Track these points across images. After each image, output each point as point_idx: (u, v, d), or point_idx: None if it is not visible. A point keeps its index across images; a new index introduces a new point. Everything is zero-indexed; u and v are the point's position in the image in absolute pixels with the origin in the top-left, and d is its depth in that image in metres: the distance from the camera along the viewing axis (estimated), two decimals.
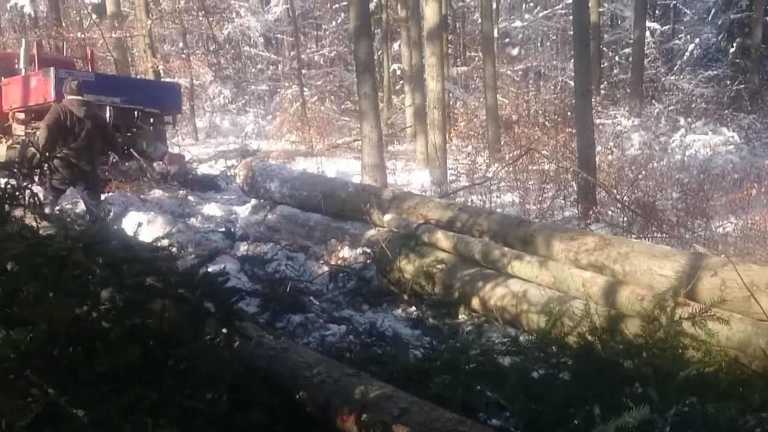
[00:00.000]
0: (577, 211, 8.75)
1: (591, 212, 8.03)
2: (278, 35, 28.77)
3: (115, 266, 1.78)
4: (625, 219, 7.79)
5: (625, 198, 8.21)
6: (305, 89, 24.34)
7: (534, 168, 11.59)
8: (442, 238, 5.49)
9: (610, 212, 8.40)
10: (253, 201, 8.78)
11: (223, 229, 7.72)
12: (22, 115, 10.52)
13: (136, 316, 2.11)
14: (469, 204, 9.69)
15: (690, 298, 3.65)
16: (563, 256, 4.81)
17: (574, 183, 10.30)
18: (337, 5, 27.91)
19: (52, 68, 9.93)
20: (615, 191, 8.59)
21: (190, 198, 10.22)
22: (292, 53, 26.63)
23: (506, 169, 10.99)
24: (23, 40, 14.25)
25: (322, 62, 28.82)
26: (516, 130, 15.46)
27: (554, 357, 3.10)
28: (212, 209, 9.49)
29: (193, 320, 2.29)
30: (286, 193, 7.73)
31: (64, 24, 23.17)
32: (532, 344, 2.94)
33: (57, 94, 9.38)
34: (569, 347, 2.96)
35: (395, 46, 24.17)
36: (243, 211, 9.04)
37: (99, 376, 1.96)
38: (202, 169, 13.80)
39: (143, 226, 7.24)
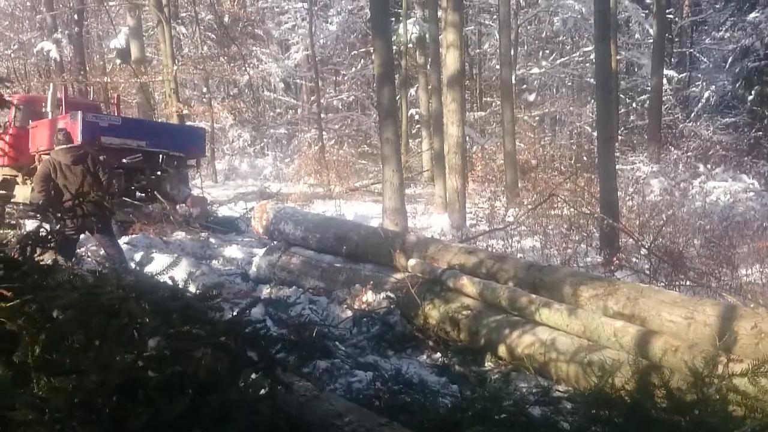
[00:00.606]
0: (600, 258, 8.69)
1: (615, 259, 7.97)
2: (298, 80, 29.28)
3: (165, 315, 1.79)
4: (650, 266, 7.72)
5: (649, 245, 8.16)
6: (323, 133, 24.63)
7: (554, 213, 11.58)
8: (468, 284, 5.46)
9: (634, 259, 8.34)
10: (268, 243, 8.83)
11: (243, 272, 7.76)
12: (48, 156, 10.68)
13: (180, 364, 2.12)
14: (490, 249, 9.70)
15: (727, 351, 3.59)
16: (592, 304, 4.77)
17: (594, 228, 10.27)
18: (355, 52, 28.41)
19: (79, 112, 10.11)
20: (640, 238, 8.54)
21: (212, 240, 10.28)
22: (311, 98, 27.04)
23: (526, 213, 10.97)
24: (51, 84, 14.57)
25: (340, 107, 29.22)
26: (534, 175, 15.49)
27: (588, 409, 3.05)
28: (233, 251, 9.55)
29: (234, 368, 2.28)
30: (300, 235, 7.72)
31: (88, 68, 23.75)
32: (579, 399, 2.87)
33: (84, 138, 9.56)
34: (606, 399, 2.91)
35: (412, 91, 24.47)
36: (258, 252, 9.09)
37: (143, 425, 1.96)
38: (222, 211, 13.91)
39: (168, 269, 7.28)
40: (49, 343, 2.03)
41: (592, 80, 25.47)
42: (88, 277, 2.06)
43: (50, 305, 1.90)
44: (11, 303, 2.26)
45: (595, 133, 23.75)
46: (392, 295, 6.12)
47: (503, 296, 5.14)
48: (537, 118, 24.43)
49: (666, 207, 11.49)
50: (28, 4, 27.15)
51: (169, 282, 2.47)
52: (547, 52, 26.78)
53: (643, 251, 8.26)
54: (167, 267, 2.42)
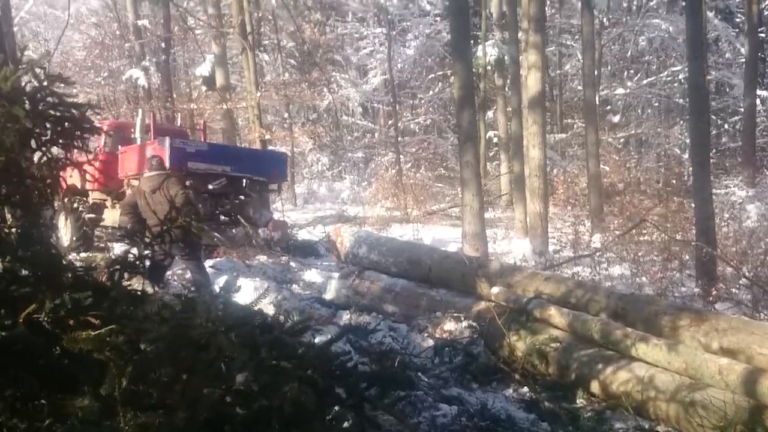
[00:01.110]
0: (697, 288, 8.20)
1: (713, 289, 7.49)
2: (375, 104, 29.54)
3: (254, 348, 1.71)
4: (752, 297, 7.21)
5: (750, 274, 7.64)
6: (400, 156, 24.68)
7: (644, 239, 11.09)
8: (556, 315, 5.21)
9: (734, 290, 7.82)
10: (343, 266, 8.81)
11: (320, 296, 7.76)
12: (136, 182, 11.00)
13: (267, 398, 2.03)
14: (577, 277, 9.34)
15: None
16: (692, 339, 4.46)
17: (688, 256, 9.75)
18: (432, 75, 28.44)
19: (167, 138, 10.40)
20: (739, 266, 8.02)
21: (292, 264, 10.35)
22: (389, 121, 27.20)
23: (615, 239, 10.54)
24: (140, 110, 15.13)
25: (417, 130, 29.26)
26: (621, 199, 14.94)
27: None
28: (312, 275, 9.58)
29: (321, 403, 2.19)
30: (374, 259, 7.69)
31: (175, 95, 24.68)
32: None
33: (171, 163, 9.81)
34: None
35: (490, 113, 24.23)
36: (333, 276, 9.09)
37: None
38: (302, 235, 14.04)
39: (251, 293, 7.34)
40: (136, 375, 1.99)
41: (680, 101, 24.58)
42: (177, 306, 2.01)
43: (138, 337, 1.86)
44: (99, 332, 2.24)
45: (684, 156, 22.96)
46: (475, 324, 5.91)
47: (595, 328, 4.87)
48: (622, 140, 23.69)
49: (765, 234, 10.80)
50: (117, 33, 28.50)
51: (255, 310, 2.41)
52: (632, 72, 26.02)
53: (744, 281, 7.74)
54: (257, 299, 2.35)
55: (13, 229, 2.64)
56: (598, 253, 9.82)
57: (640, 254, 10.24)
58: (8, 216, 2.64)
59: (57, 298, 2.43)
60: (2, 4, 15.56)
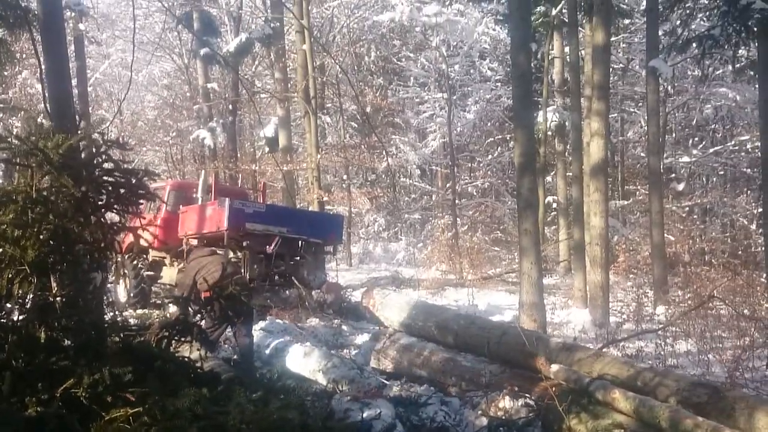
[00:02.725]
0: None
1: None
2: (434, 167, 29.65)
3: None
4: None
5: None
6: (457, 219, 24.54)
7: (711, 312, 10.54)
8: (621, 398, 4.88)
9: None
10: (374, 329, 8.70)
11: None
12: (195, 242, 11.17)
13: None
14: (640, 351, 8.90)
15: None
16: None
17: (757, 332, 9.17)
18: (491, 139, 28.45)
19: (227, 199, 10.58)
20: None
21: (344, 327, 10.23)
22: (446, 184, 27.19)
23: (683, 314, 10.05)
24: (203, 171, 15.52)
25: (474, 193, 29.15)
26: (686, 270, 14.34)
27: None
28: (364, 339, 9.40)
29: None
30: (403, 322, 7.69)
31: (239, 155, 25.35)
32: None
33: (230, 223, 9.93)
34: None
35: (549, 178, 23.96)
36: (364, 339, 8.97)
37: None
38: (356, 296, 13.93)
39: (300, 359, 7.22)
40: None
41: (747, 170, 23.81)
42: (211, 397, 1.89)
43: None
44: (133, 411, 2.14)
45: (752, 226, 22.10)
46: (532, 404, 5.62)
47: (663, 416, 4.52)
48: (686, 208, 22.99)
49: None
50: (187, 95, 29.72)
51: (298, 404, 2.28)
52: (697, 140, 25.45)
53: None
54: None
55: (59, 298, 2.62)
56: (663, 328, 9.33)
57: (707, 330, 9.71)
58: (54, 284, 2.62)
59: (97, 372, 2.36)
60: (78, 65, 16.49)
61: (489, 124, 28.20)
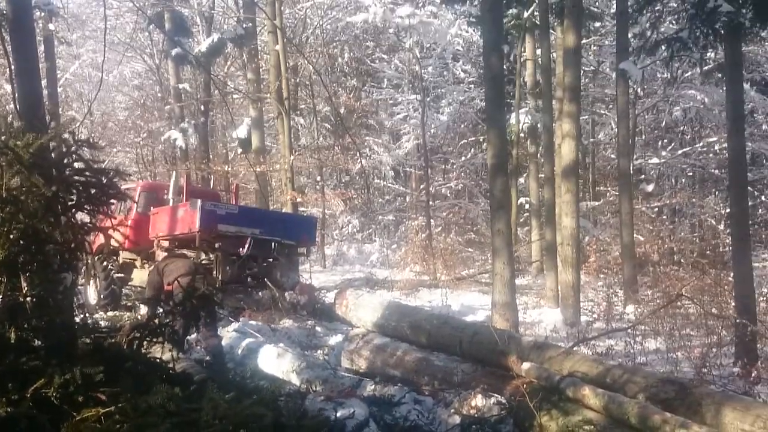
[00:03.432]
0: (735, 367, 7.84)
1: (754, 369, 7.14)
2: (407, 168, 29.74)
3: None
4: None
5: None
6: (431, 220, 24.63)
7: (680, 311, 10.74)
8: (590, 395, 4.96)
9: None
10: (347, 330, 8.73)
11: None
12: (166, 244, 11.08)
13: None
14: (610, 349, 9.04)
15: None
16: (736, 429, 4.20)
17: (726, 332, 9.38)
18: (465, 141, 28.62)
19: (198, 200, 10.51)
20: None
21: (318, 329, 10.21)
22: (420, 185, 27.29)
23: (651, 313, 10.22)
24: (174, 172, 15.40)
25: (448, 194, 29.28)
26: (656, 270, 14.58)
27: None
28: (338, 340, 9.41)
29: None
30: (377, 322, 7.70)
31: (211, 156, 25.16)
32: None
33: (201, 225, 9.86)
34: None
35: (521, 179, 24.17)
36: (337, 340, 8.99)
37: None
38: (330, 298, 13.92)
39: (273, 360, 7.20)
40: None
41: (715, 171, 24.25)
42: (184, 395, 1.89)
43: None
44: (104, 411, 2.14)
45: (720, 226, 22.50)
46: (504, 401, 5.68)
47: (632, 412, 4.60)
48: (656, 209, 23.36)
49: None
50: (159, 95, 29.45)
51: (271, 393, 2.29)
52: (666, 141, 25.86)
53: None
54: None
55: (29, 298, 2.59)
56: (632, 327, 9.49)
57: (675, 328, 9.91)
58: (24, 284, 2.59)
59: (68, 372, 2.35)
60: (48, 65, 16.26)
61: (462, 125, 28.36)
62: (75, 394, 2.34)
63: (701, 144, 24.02)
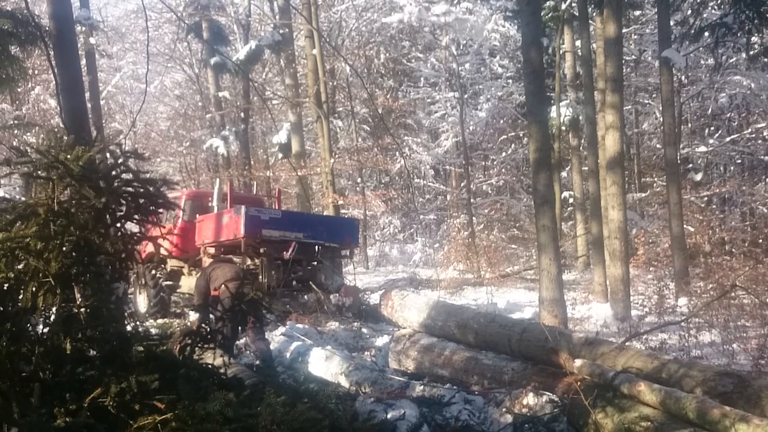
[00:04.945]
0: None
1: None
2: (447, 166, 29.62)
3: None
4: None
5: None
6: (473, 218, 24.47)
7: (734, 302, 10.44)
8: (646, 391, 4.83)
9: None
10: (394, 331, 8.67)
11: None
12: (212, 250, 11.22)
13: None
14: (663, 344, 8.82)
15: None
16: None
17: None
18: (505, 136, 28.36)
19: (243, 206, 10.62)
20: None
21: (364, 330, 10.22)
22: (461, 183, 27.14)
23: (706, 305, 9.95)
24: (217, 179, 15.59)
25: (489, 191, 29.07)
26: (707, 260, 14.21)
27: None
28: (384, 341, 9.40)
29: None
30: (423, 322, 7.63)
31: (252, 163, 25.45)
32: None
33: (246, 231, 9.96)
34: None
35: (564, 173, 23.83)
36: (384, 341, 8.95)
37: None
38: (375, 298, 13.93)
39: (321, 362, 7.23)
40: None
41: (765, 158, 23.54)
42: (241, 402, 1.89)
43: None
44: (161, 418, 2.15)
45: None
46: (557, 400, 5.58)
47: (690, 407, 4.47)
48: (705, 198, 22.77)
49: None
50: (199, 104, 29.94)
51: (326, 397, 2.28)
52: (713, 129, 25.20)
53: None
54: None
55: (83, 309, 2.64)
56: (687, 320, 9.24)
57: (730, 320, 9.62)
58: (77, 296, 2.64)
59: (123, 381, 2.38)
60: (90, 79, 16.63)
61: (501, 121, 28.10)
62: (131, 402, 2.37)
63: (749, 130, 23.35)
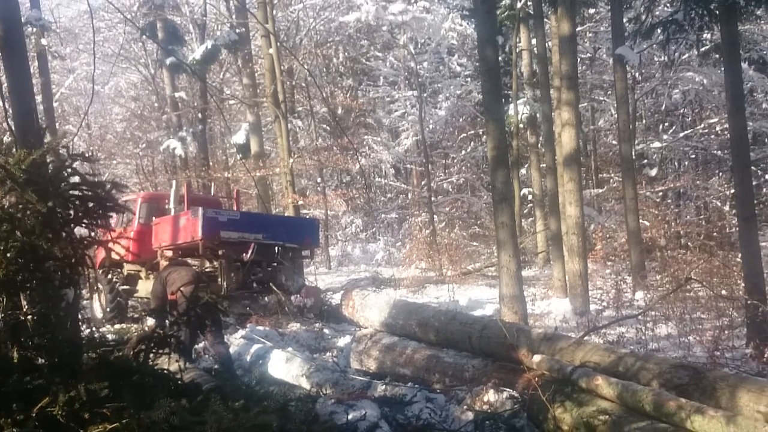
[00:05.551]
0: (748, 349, 7.78)
1: (766, 350, 7.09)
2: (408, 165, 29.70)
3: None
4: None
5: None
6: (434, 216, 24.58)
7: (689, 295, 10.68)
8: (604, 385, 4.90)
9: None
10: (355, 331, 8.68)
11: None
12: (170, 253, 11.04)
13: None
14: (621, 337, 8.98)
15: None
16: (752, 411, 4.15)
17: (736, 313, 9.32)
18: (464, 134, 28.55)
19: (200, 208, 10.48)
20: None
21: (326, 331, 10.19)
22: (422, 182, 27.25)
23: (661, 298, 10.16)
24: (174, 181, 15.35)
25: (450, 189, 29.24)
26: (663, 254, 14.51)
27: None
28: (346, 341, 9.37)
29: None
30: (384, 322, 7.65)
31: (211, 164, 25.14)
32: None
33: (204, 233, 9.83)
34: None
35: (523, 170, 24.10)
36: (345, 341, 8.95)
37: None
38: (336, 298, 13.89)
39: (282, 364, 7.16)
40: None
41: (718, 152, 24.15)
42: (186, 409, 1.85)
43: None
44: (111, 427, 2.10)
45: (725, 208, 22.40)
46: (517, 395, 5.63)
47: (646, 400, 4.55)
48: (660, 193, 23.27)
49: None
50: (155, 105, 29.46)
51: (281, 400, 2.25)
52: (667, 125, 25.76)
53: None
54: None
55: (30, 316, 2.56)
56: (643, 313, 9.43)
57: (686, 312, 9.84)
58: (24, 302, 2.56)
59: (72, 390, 2.32)
60: (42, 80, 16.21)
61: (461, 119, 28.28)
62: (81, 411, 2.31)
63: (702, 126, 23.92)
